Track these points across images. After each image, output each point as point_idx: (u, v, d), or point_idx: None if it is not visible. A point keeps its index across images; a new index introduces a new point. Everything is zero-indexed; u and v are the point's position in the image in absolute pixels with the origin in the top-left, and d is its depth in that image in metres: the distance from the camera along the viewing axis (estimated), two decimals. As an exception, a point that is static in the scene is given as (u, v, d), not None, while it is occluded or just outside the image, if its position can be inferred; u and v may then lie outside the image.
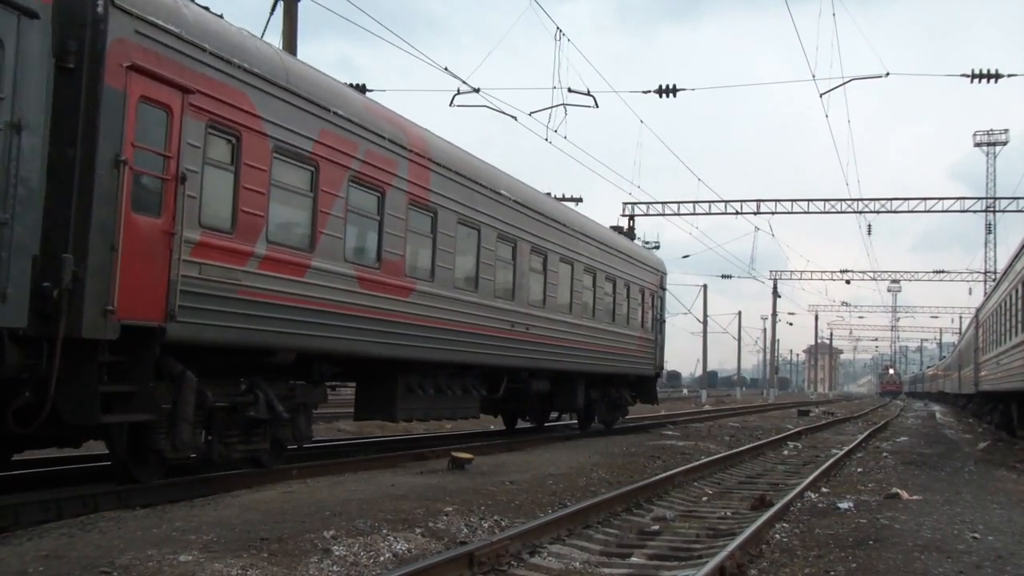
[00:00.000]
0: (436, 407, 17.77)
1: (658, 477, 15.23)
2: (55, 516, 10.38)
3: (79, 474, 13.35)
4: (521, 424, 26.99)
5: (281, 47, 20.24)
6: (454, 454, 15.84)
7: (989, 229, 79.88)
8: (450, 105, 26.25)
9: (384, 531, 9.46)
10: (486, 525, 10.50)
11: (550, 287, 22.12)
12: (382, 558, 8.60)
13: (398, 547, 8.98)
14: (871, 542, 10.27)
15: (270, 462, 14.03)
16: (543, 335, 21.52)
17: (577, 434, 26.06)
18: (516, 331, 20.04)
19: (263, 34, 19.99)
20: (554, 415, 28.06)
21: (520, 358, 20.44)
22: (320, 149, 13.49)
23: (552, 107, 27.40)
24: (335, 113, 13.90)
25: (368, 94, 24.95)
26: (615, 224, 30.35)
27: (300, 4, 21.79)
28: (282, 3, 21.60)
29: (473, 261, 18.34)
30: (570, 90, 27.29)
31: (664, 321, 32.50)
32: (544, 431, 26.28)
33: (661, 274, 32.30)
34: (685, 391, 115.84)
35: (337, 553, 8.48)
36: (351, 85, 21.91)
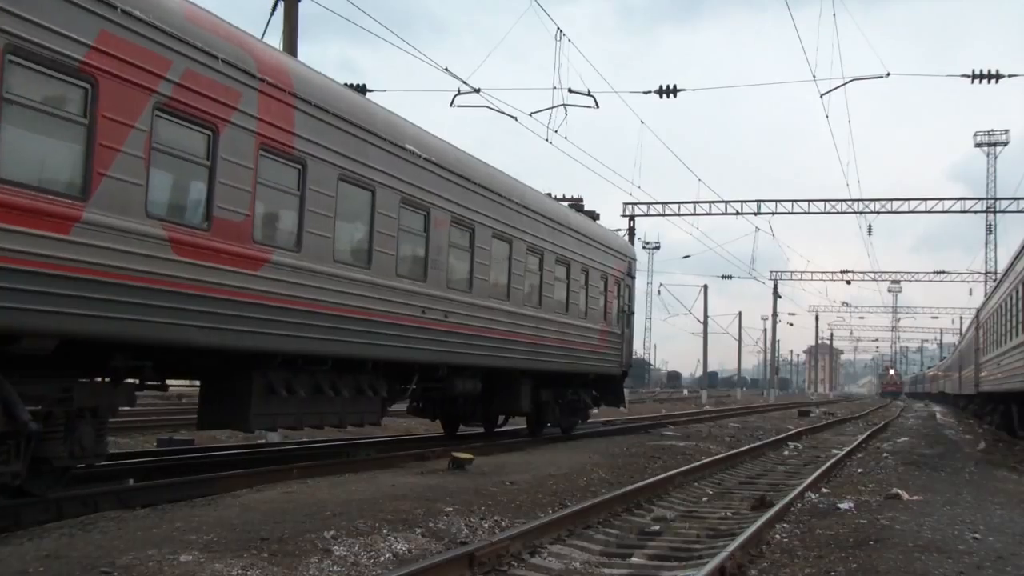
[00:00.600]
0: (314, 411, 14.48)
1: (658, 477, 15.23)
2: (55, 516, 10.40)
3: (80, 475, 13.33)
4: (465, 430, 23.87)
5: (282, 48, 20.29)
6: (455, 454, 15.84)
7: (989, 229, 79.91)
8: (450, 105, 26.27)
9: (384, 531, 9.47)
10: (486, 525, 10.51)
11: (479, 268, 18.49)
12: (382, 558, 8.60)
13: (398, 547, 8.98)
14: (872, 542, 10.27)
15: (38, 489, 10.79)
16: (468, 325, 18.05)
17: (581, 434, 25.80)
18: (429, 319, 16.56)
19: (263, 35, 20.02)
20: (502, 419, 24.61)
21: (436, 352, 16.92)
22: (100, 60, 9.98)
23: (552, 107, 27.40)
24: (126, 13, 10.31)
25: (369, 94, 25.00)
26: (574, 201, 26.26)
27: (301, 5, 21.84)
28: (282, 3, 21.64)
29: (364, 230, 14.90)
30: (570, 90, 27.30)
31: (633, 313, 28.82)
32: (494, 437, 23.15)
33: (629, 260, 28.45)
34: (685, 391, 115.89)
35: (337, 553, 8.49)
36: (352, 86, 21.98)
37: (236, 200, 11.97)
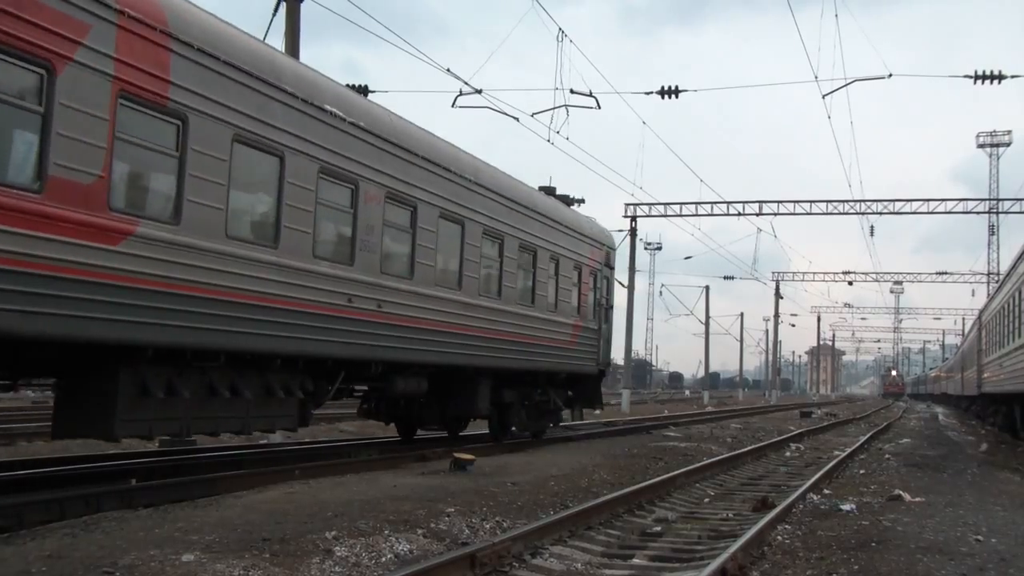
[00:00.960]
0: (206, 416, 12.36)
1: (660, 478, 15.22)
2: (58, 516, 10.40)
3: (82, 475, 13.36)
4: (422, 434, 21.81)
5: (284, 49, 20.30)
6: (456, 455, 15.84)
7: (992, 230, 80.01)
8: (452, 106, 26.29)
9: (386, 532, 9.47)
10: (488, 526, 10.51)
11: (422, 252, 16.26)
12: (384, 559, 8.61)
13: (400, 548, 8.98)
14: (873, 544, 10.27)
15: None
16: (408, 316, 15.83)
17: (583, 435, 25.74)
18: (357, 309, 14.44)
19: (265, 36, 20.05)
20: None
21: (365, 346, 14.80)
22: None
23: (554, 108, 27.54)
24: None
25: (371, 95, 25.01)
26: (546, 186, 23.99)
27: (303, 6, 21.86)
28: (284, 4, 21.68)
29: (270, 202, 12.74)
30: (572, 91, 27.38)
31: (611, 307, 26.39)
32: (457, 442, 21.22)
33: (607, 249, 25.88)
34: (687, 392, 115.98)
35: (339, 554, 8.49)
36: (353, 87, 22.00)
37: (83, 157, 9.73)
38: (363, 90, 25.59)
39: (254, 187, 12.65)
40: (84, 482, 12.61)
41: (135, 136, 10.41)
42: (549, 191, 23.68)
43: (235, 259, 11.90)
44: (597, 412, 30.95)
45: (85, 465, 14.19)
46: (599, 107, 27.68)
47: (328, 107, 13.69)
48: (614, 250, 26.84)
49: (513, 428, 22.08)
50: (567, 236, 22.90)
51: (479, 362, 18.60)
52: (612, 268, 26.71)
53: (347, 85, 17.95)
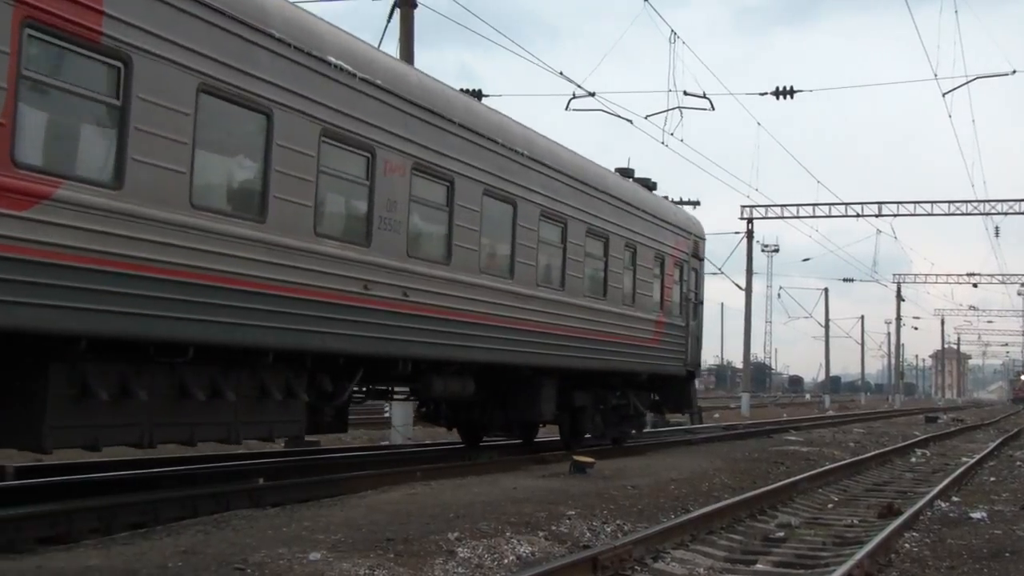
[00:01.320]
0: (176, 422, 10.31)
1: (782, 483, 14.99)
2: (191, 513, 10.74)
3: (212, 473, 13.76)
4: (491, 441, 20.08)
5: (399, 55, 20.61)
6: (575, 458, 15.86)
7: None
8: (566, 109, 26.50)
9: (507, 534, 9.53)
10: (609, 529, 10.50)
11: (460, 234, 14.19)
12: (506, 560, 8.67)
13: (522, 550, 9.04)
14: (1007, 554, 9.95)
15: None
16: (443, 307, 13.78)
17: (702, 438, 25.33)
18: (376, 297, 12.42)
19: (380, 43, 20.38)
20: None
21: (387, 340, 12.76)
22: None
23: (668, 110, 27.45)
24: None
25: (484, 99, 25.22)
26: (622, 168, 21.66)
27: (416, 12, 22.21)
28: (399, 11, 22.05)
29: (255, 168, 10.84)
30: (685, 93, 27.27)
31: (701, 303, 24.21)
32: (530, 448, 19.76)
33: (694, 239, 23.63)
34: (807, 396, 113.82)
35: (462, 555, 8.58)
36: (467, 91, 22.20)
37: None
38: (477, 94, 25.83)
39: (232, 150, 10.89)
40: (215, 481, 12.99)
41: (50, 76, 8.57)
42: (627, 173, 21.62)
43: (205, 234, 9.89)
44: (687, 417, 28.58)
45: (215, 464, 14.63)
46: (712, 108, 27.51)
47: (331, 59, 11.67)
48: (703, 240, 24.70)
49: (587, 435, 20.07)
50: (647, 223, 20.82)
51: (537, 361, 16.55)
52: (702, 260, 24.59)
53: (461, 90, 18.13)
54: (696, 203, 43.79)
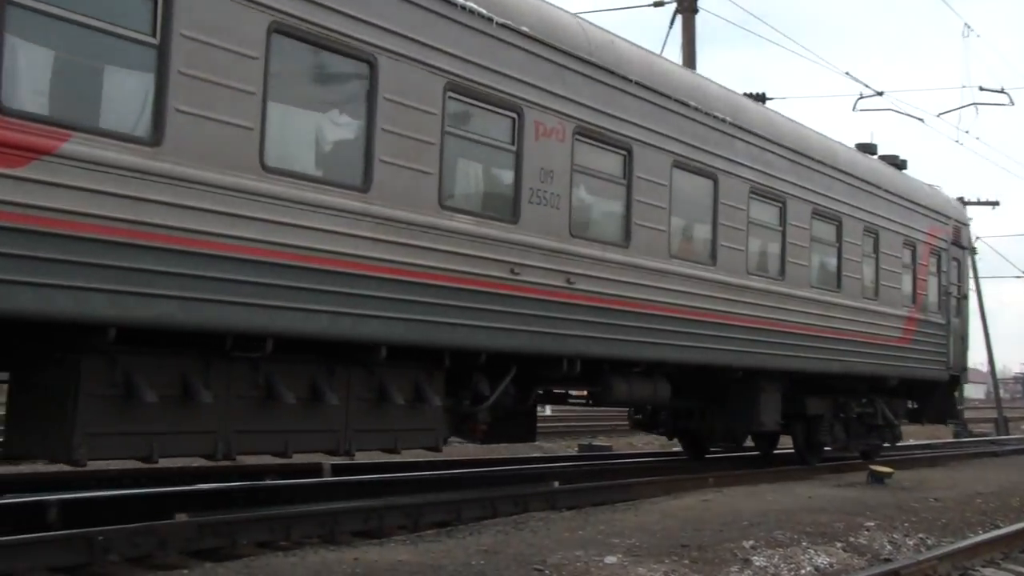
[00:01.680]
0: (253, 428, 8.63)
1: (1106, 500, 13.89)
2: (490, 514, 11.18)
3: (509, 476, 14.26)
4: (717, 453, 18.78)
5: (681, 61, 20.71)
6: (873, 468, 15.35)
7: None
8: (853, 110, 25.99)
9: (803, 543, 9.37)
10: (911, 543, 10.12)
11: (642, 211, 12.17)
12: (803, 571, 8.54)
13: (819, 561, 8.87)
14: None
15: None
16: (620, 297, 11.79)
17: (1011, 450, 23.84)
18: (525, 284, 10.54)
19: (663, 49, 20.55)
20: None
21: (541, 335, 10.80)
22: None
23: (962, 107, 26.75)
24: None
25: (768, 103, 24.85)
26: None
27: (697, 17, 22.31)
28: (680, 18, 22.22)
29: (357, 127, 9.12)
30: (981, 88, 26.10)
31: (965, 297, 21.41)
32: (767, 461, 18.04)
33: (954, 224, 20.81)
34: None
35: (757, 563, 8.52)
36: (751, 95, 21.92)
37: None
38: (760, 97, 25.51)
39: (326, 103, 9.21)
40: (512, 482, 13.46)
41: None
42: (869, 149, 19.05)
43: (283, 204, 8.22)
44: (953, 426, 25.99)
45: (512, 467, 15.17)
46: (1012, 103, 26.30)
47: (471, 4, 9.91)
48: (966, 225, 21.93)
49: (826, 447, 17.92)
50: (892, 205, 18.24)
51: (750, 361, 14.36)
52: (965, 248, 21.85)
53: (744, 94, 17.87)
54: (995, 203, 41.38)
